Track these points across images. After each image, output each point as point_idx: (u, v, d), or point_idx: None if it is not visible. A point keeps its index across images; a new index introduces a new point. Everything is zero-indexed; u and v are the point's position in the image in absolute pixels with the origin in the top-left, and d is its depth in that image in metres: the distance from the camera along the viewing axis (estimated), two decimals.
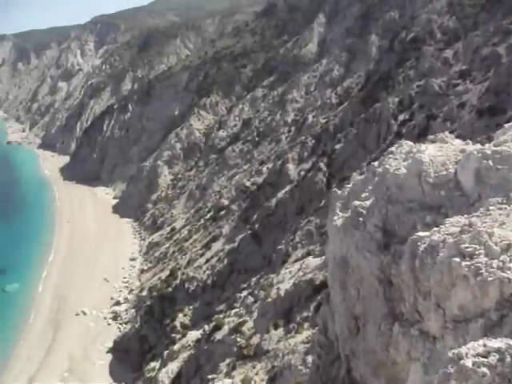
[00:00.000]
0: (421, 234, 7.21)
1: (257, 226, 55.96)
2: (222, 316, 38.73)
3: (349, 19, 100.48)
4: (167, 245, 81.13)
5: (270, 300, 32.13)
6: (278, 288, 32.70)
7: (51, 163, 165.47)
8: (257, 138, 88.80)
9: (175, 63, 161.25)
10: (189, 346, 39.23)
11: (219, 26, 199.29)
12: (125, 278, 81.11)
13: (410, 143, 10.01)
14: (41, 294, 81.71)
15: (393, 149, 10.27)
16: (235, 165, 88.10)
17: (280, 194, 56.85)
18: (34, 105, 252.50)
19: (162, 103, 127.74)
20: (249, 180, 74.14)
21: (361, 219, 9.30)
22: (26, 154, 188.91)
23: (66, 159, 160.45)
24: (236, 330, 32.72)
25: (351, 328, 10.11)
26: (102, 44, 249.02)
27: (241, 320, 33.95)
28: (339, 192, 11.13)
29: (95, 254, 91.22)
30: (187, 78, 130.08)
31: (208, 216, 77.03)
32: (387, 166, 9.58)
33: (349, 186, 11.13)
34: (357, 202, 9.69)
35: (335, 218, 10.49)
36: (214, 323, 37.05)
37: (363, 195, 9.91)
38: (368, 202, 9.47)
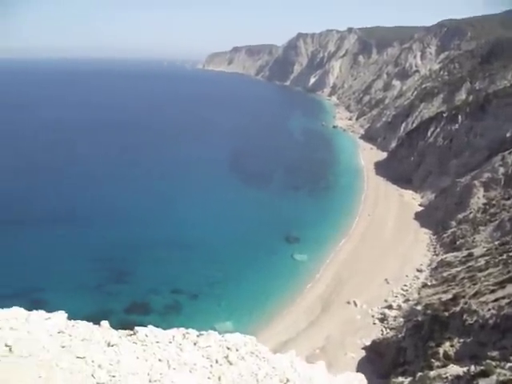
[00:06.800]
0: None
1: None
2: (493, 363, 36.09)
3: None
4: (459, 268, 77.57)
5: None
6: None
7: (368, 155, 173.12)
8: None
9: None
10: (446, 378, 37.30)
11: None
12: (405, 285, 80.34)
13: None
14: (323, 271, 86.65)
15: None
16: None
17: None
18: (366, 97, 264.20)
19: (495, 121, 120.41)
20: None
21: None
22: (347, 141, 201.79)
23: (383, 155, 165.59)
24: None
25: None
26: (444, 49, 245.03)
27: None
28: None
29: (384, 252, 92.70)
30: None
31: None
32: None
33: None
34: None
35: None
36: (482, 367, 34.71)
37: None
38: None
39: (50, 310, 17.58)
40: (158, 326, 18.26)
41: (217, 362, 15.85)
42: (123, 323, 58.24)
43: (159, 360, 14.87)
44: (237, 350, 16.69)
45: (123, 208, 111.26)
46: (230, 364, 15.86)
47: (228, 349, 16.72)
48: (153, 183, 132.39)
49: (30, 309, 17.15)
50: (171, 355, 15.34)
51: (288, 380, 16.29)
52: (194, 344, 16.68)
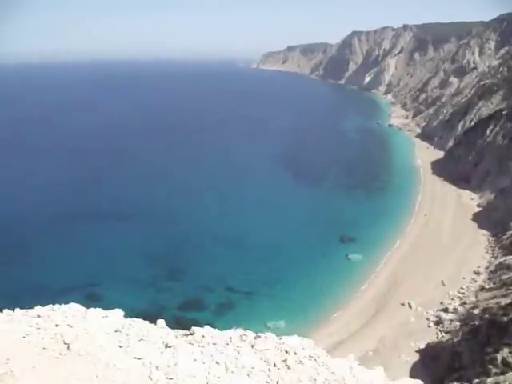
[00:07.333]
0: None
1: None
2: None
3: None
4: None
5: None
6: None
7: (424, 154, 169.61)
8: None
9: None
10: None
11: None
12: (462, 288, 77.81)
13: None
14: (378, 272, 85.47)
15: None
16: None
17: None
18: (422, 95, 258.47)
19: None
20: None
21: None
22: (403, 140, 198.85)
23: (440, 154, 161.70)
24: None
25: None
26: (504, 44, 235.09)
27: None
28: None
29: (441, 254, 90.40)
30: None
31: None
32: None
33: None
34: None
35: None
36: None
37: None
38: None
39: (105, 306, 17.92)
40: (211, 324, 18.29)
41: (275, 365, 15.62)
42: (177, 320, 59.65)
43: (217, 363, 14.80)
44: (295, 354, 16.45)
45: (179, 206, 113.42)
46: (289, 368, 15.63)
47: (286, 352, 16.49)
48: (207, 182, 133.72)
49: (85, 303, 17.48)
50: (229, 358, 15.24)
51: None
52: (252, 346, 16.55)
